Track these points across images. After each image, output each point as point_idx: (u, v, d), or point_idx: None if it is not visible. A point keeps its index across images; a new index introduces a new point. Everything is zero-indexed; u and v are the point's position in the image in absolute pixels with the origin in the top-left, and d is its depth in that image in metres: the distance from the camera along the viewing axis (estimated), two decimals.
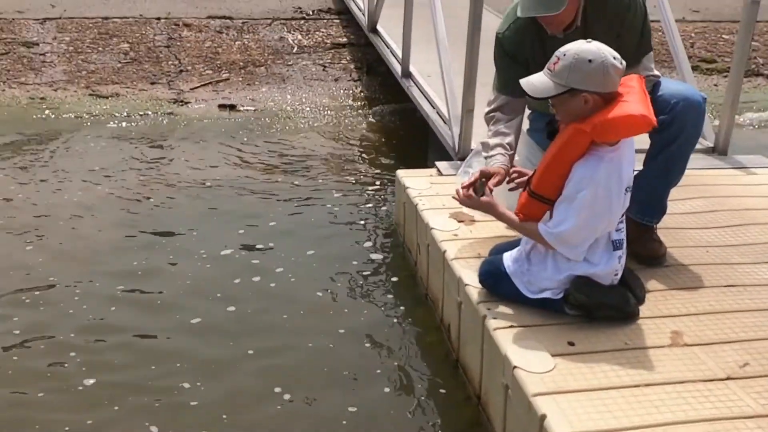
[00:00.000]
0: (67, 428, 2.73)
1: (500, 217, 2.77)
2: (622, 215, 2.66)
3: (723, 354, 2.57)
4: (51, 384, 2.95)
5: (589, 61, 2.46)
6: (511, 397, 2.49)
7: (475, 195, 2.81)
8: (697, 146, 4.09)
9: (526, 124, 3.30)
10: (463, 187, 2.84)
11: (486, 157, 3.07)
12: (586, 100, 2.50)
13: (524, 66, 2.99)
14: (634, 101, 2.50)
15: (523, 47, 3.00)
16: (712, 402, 2.34)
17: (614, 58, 2.49)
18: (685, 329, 2.70)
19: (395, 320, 3.42)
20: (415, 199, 3.65)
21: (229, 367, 3.09)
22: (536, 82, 2.56)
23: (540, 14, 2.81)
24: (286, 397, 2.92)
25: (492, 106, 3.15)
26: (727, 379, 2.44)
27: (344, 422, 2.81)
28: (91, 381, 2.97)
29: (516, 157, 3.14)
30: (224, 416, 2.81)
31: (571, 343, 2.59)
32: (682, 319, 2.77)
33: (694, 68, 7.35)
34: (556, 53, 2.53)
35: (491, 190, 2.84)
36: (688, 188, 3.70)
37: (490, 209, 2.79)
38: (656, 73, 3.08)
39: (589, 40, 2.54)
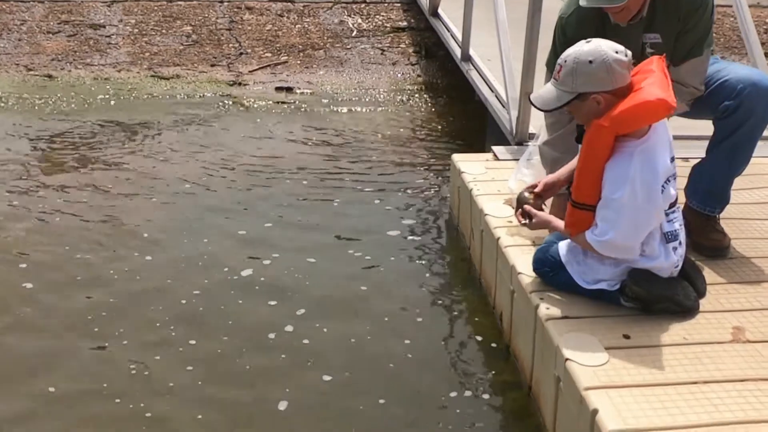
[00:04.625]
0: None
1: (557, 230, 2.71)
2: (673, 206, 2.57)
3: None
4: None
5: (590, 62, 2.42)
6: (562, 389, 2.43)
7: (523, 218, 2.77)
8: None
9: None
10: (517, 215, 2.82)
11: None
12: (598, 101, 2.45)
13: None
14: (650, 85, 2.43)
15: (585, 35, 2.90)
16: None
17: (617, 52, 2.43)
18: (748, 325, 2.61)
19: (447, 304, 3.39)
20: (470, 184, 3.60)
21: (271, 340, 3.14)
22: (545, 94, 2.55)
23: (603, 5, 2.73)
24: (327, 378, 2.91)
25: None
26: None
27: (393, 404, 2.79)
28: None
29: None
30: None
31: (627, 336, 2.52)
32: (745, 314, 2.67)
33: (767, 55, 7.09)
34: (558, 61, 2.50)
35: (542, 205, 2.77)
36: (756, 177, 3.56)
37: (548, 225, 2.74)
38: (697, 85, 2.92)
39: (589, 40, 2.49)
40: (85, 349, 3.07)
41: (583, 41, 2.50)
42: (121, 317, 3.25)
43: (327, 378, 2.91)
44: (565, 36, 2.95)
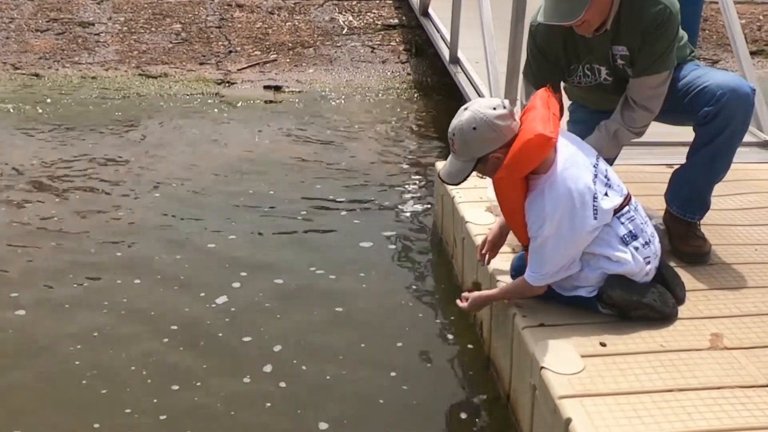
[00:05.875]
0: None
1: (494, 298, 2.77)
2: (621, 209, 2.57)
3: (765, 359, 2.46)
4: None
5: (474, 128, 2.48)
6: (537, 398, 2.42)
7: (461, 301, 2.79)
8: (752, 139, 3.96)
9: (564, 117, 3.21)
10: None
11: None
12: (498, 157, 2.50)
13: (554, 62, 2.96)
14: (529, 122, 2.48)
15: (553, 43, 2.93)
16: (750, 410, 2.25)
17: (494, 108, 2.48)
18: (726, 332, 2.60)
19: (428, 314, 3.37)
20: (452, 192, 3.58)
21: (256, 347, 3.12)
22: (450, 169, 2.60)
23: (554, 22, 2.75)
24: (311, 386, 2.90)
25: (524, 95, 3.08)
26: None
27: (372, 413, 2.79)
28: None
29: None
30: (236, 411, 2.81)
31: (603, 344, 2.51)
32: (724, 320, 2.66)
33: (760, 52, 7.08)
34: (448, 135, 2.56)
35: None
36: (738, 183, 3.56)
37: (487, 301, 2.79)
38: (648, 105, 2.88)
39: (466, 107, 2.54)
40: (56, 401, 2.85)
41: (461, 109, 2.55)
42: (102, 356, 3.07)
43: (323, 426, 2.74)
44: (536, 43, 2.96)
